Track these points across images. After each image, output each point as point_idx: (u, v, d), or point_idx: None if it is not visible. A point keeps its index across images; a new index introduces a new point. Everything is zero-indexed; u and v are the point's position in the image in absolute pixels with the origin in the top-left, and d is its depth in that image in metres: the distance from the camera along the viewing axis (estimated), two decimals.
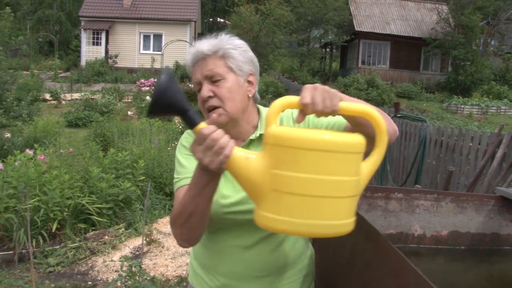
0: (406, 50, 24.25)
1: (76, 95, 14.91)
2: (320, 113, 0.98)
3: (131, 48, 22.95)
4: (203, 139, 0.97)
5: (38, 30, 27.70)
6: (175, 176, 1.31)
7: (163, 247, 4.15)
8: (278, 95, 16.31)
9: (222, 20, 35.65)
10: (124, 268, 2.93)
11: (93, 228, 4.30)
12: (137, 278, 2.95)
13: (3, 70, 9.17)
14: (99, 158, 4.92)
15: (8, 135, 6.43)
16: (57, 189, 4.04)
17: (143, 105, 11.39)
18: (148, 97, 12.49)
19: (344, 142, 0.95)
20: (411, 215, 1.59)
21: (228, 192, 1.24)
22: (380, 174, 5.86)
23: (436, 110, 17.65)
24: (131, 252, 4.06)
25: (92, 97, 13.09)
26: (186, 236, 1.18)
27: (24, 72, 16.40)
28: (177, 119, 11.43)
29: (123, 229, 4.37)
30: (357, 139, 0.98)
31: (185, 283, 3.46)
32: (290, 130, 0.96)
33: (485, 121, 16.56)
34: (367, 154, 1.04)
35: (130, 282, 2.93)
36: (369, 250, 1.10)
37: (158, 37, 23.20)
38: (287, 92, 16.68)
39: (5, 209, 3.89)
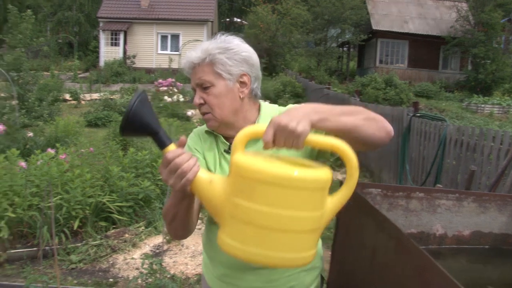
0: (425, 49, 23.91)
1: (95, 95, 15.10)
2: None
3: (149, 49, 23.16)
4: (168, 162, 1.02)
5: (58, 31, 28.20)
6: None
7: (182, 245, 4.20)
8: (296, 94, 16.29)
9: (239, 20, 35.72)
10: (145, 266, 2.97)
11: (113, 226, 4.37)
12: (158, 275, 2.99)
13: (25, 71, 9.36)
14: (119, 158, 4.98)
15: (31, 134, 6.55)
16: (78, 188, 4.12)
17: (161, 105, 11.50)
18: (166, 97, 12.59)
19: (307, 179, 0.93)
20: (432, 215, 1.58)
21: None
22: (400, 174, 5.81)
23: (455, 110, 17.35)
24: (151, 250, 4.11)
25: (111, 97, 13.25)
26: (173, 232, 1.31)
27: (45, 73, 16.67)
28: (195, 119, 11.51)
29: (143, 228, 4.43)
30: (322, 176, 0.95)
31: None
32: (252, 162, 0.94)
33: (506, 120, 16.21)
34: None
35: (150, 280, 2.97)
36: (391, 248, 1.11)
37: (175, 37, 23.35)
38: (305, 91, 16.62)
39: (28, 207, 3.98)
